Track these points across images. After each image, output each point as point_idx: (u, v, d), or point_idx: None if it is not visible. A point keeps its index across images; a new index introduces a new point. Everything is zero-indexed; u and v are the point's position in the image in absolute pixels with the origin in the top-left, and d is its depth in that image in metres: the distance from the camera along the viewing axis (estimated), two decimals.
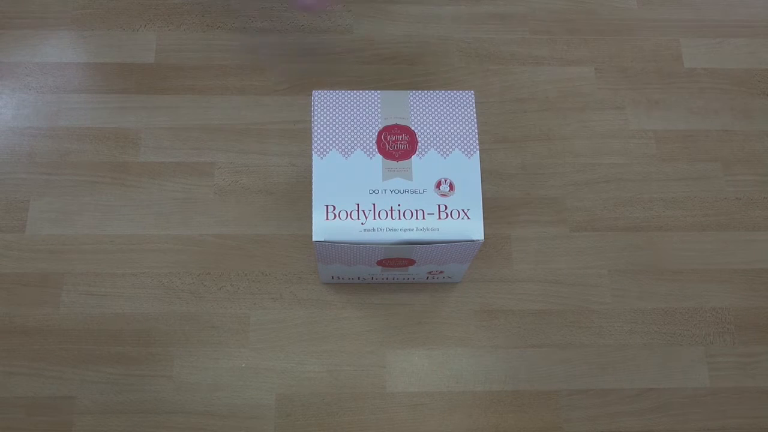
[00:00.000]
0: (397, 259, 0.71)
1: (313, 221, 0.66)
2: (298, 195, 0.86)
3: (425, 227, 0.66)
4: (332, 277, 0.79)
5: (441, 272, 0.77)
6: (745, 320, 0.83)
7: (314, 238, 0.66)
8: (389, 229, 0.66)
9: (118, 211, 0.85)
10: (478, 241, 0.66)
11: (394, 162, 0.68)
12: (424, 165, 0.68)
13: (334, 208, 0.66)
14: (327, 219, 0.66)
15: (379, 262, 0.72)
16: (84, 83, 0.91)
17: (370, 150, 0.69)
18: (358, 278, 0.79)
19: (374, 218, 0.66)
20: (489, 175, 0.88)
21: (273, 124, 0.89)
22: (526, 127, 0.91)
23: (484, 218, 0.86)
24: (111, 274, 0.82)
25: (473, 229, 0.66)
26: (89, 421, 0.76)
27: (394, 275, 0.78)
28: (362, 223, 0.66)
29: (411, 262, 0.72)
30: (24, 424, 0.76)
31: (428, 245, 0.67)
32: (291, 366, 0.79)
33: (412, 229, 0.66)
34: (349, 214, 0.66)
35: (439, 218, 0.66)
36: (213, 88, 0.91)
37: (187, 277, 0.82)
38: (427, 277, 0.79)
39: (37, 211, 0.84)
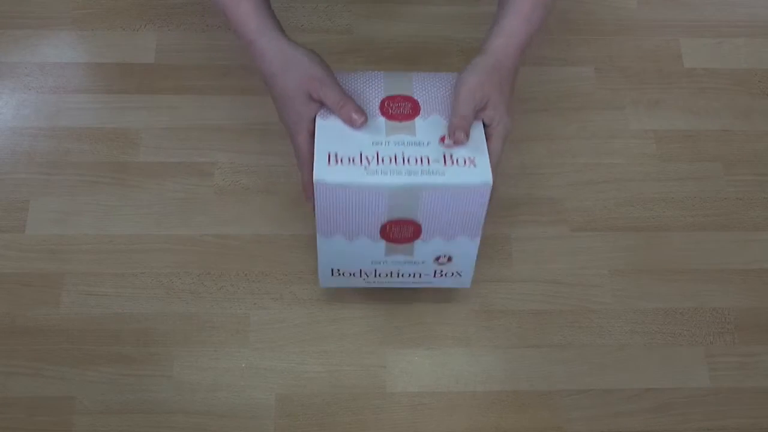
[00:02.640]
0: (402, 223, 0.67)
1: (315, 165, 0.63)
2: (298, 195, 0.86)
3: (431, 171, 0.63)
4: (332, 273, 0.75)
5: (449, 259, 0.72)
6: (745, 320, 0.83)
7: (315, 177, 0.62)
8: (394, 172, 0.63)
9: (118, 211, 0.85)
10: (486, 184, 0.63)
11: (398, 122, 0.67)
12: (428, 125, 0.66)
13: (337, 154, 0.64)
14: (329, 164, 0.63)
15: (383, 231, 0.68)
16: (84, 83, 0.91)
17: (374, 114, 0.67)
18: (360, 272, 0.75)
19: (378, 163, 0.63)
20: None
21: (273, 124, 0.88)
22: (526, 127, 0.91)
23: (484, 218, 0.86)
24: (111, 274, 0.82)
25: (480, 173, 0.63)
26: (89, 421, 0.76)
27: (399, 267, 0.73)
28: (365, 168, 0.63)
29: (417, 230, 0.67)
30: (24, 424, 0.76)
31: (434, 192, 0.63)
32: (291, 366, 0.79)
33: (416, 173, 0.63)
34: (351, 160, 0.64)
35: (445, 165, 0.64)
36: (213, 88, 0.91)
37: (187, 277, 0.82)
38: (435, 273, 0.75)
39: (37, 211, 0.84)
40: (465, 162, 0.64)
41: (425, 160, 0.64)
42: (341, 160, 0.63)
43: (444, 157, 0.64)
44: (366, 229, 0.68)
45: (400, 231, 0.68)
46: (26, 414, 0.76)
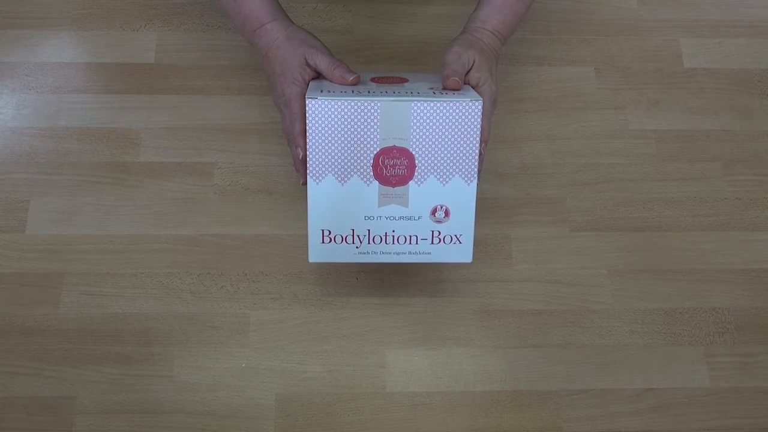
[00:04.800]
0: (395, 153, 0.65)
1: (307, 94, 0.65)
2: (298, 195, 0.86)
3: (422, 96, 0.65)
4: (323, 238, 0.69)
5: (447, 213, 0.68)
6: (745, 320, 0.83)
7: (308, 96, 0.64)
8: (385, 94, 0.65)
9: (118, 211, 0.85)
10: (476, 101, 0.64)
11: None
12: (415, 83, 0.69)
13: (329, 90, 0.66)
14: (321, 93, 0.65)
15: (376, 167, 0.66)
16: (84, 83, 0.91)
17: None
18: (353, 233, 0.69)
19: (368, 92, 0.66)
20: (489, 175, 0.88)
21: (273, 124, 0.89)
22: (526, 127, 0.91)
23: (484, 218, 0.86)
24: (111, 274, 0.82)
25: (468, 95, 0.66)
26: (89, 421, 0.76)
27: (394, 226, 0.69)
28: (356, 92, 0.66)
29: (411, 166, 0.66)
30: (24, 424, 0.76)
31: (425, 110, 0.64)
32: (291, 366, 0.79)
33: (408, 95, 0.65)
34: (342, 91, 0.66)
35: (434, 94, 0.66)
36: (213, 88, 0.91)
37: (187, 277, 0.82)
38: (433, 239, 0.70)
39: (37, 211, 0.84)
40: (454, 94, 0.66)
41: (416, 93, 0.67)
42: (333, 92, 0.66)
43: (433, 92, 0.67)
44: (359, 164, 0.66)
45: (393, 165, 0.66)
46: (26, 414, 0.76)
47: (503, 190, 0.87)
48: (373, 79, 0.72)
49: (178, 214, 0.85)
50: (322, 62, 0.70)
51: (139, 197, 0.85)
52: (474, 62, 0.71)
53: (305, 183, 0.68)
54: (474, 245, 0.70)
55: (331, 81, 0.70)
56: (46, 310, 0.80)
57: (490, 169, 0.88)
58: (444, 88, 0.68)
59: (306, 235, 0.69)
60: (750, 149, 0.91)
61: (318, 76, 0.71)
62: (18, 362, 0.78)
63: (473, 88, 0.70)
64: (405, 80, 0.72)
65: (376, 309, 0.81)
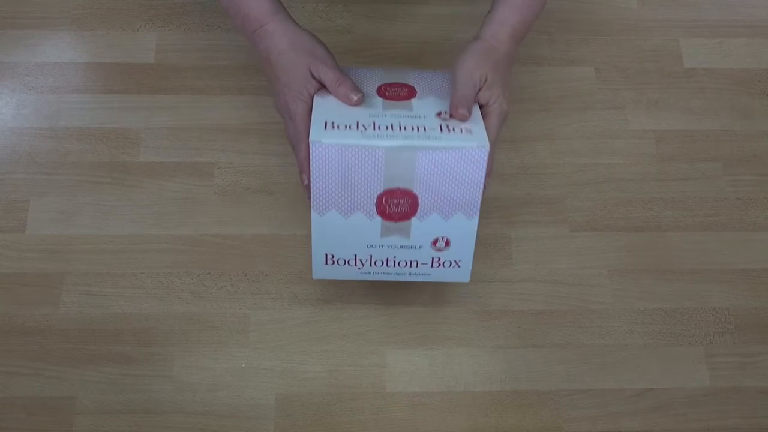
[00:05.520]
0: (399, 194, 0.65)
1: (312, 130, 0.63)
2: (298, 195, 0.86)
3: (427, 136, 0.64)
4: (326, 260, 0.71)
5: (447, 243, 0.69)
6: (745, 320, 0.83)
7: (312, 138, 0.62)
8: (390, 137, 0.63)
9: (118, 211, 0.85)
10: (483, 147, 0.63)
11: (395, 101, 0.68)
12: (425, 104, 0.68)
13: (333, 122, 0.64)
14: (326, 129, 0.64)
15: (379, 205, 0.66)
16: (84, 83, 0.91)
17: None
18: (355, 258, 0.71)
19: (375, 129, 0.64)
20: None
21: (273, 124, 0.89)
22: (526, 127, 0.91)
23: (484, 218, 0.86)
24: (111, 274, 0.82)
25: (477, 138, 0.64)
26: (89, 421, 0.76)
27: (396, 253, 0.70)
28: (362, 132, 0.64)
29: (414, 204, 0.66)
30: (24, 424, 0.76)
31: (431, 155, 0.63)
32: (291, 366, 0.79)
33: (413, 138, 0.63)
34: (348, 126, 0.64)
35: (441, 132, 0.64)
36: (213, 88, 0.91)
37: (187, 277, 0.82)
38: (432, 263, 0.71)
39: (37, 211, 0.84)
40: (462, 131, 0.64)
41: (422, 128, 0.64)
42: (338, 126, 0.64)
43: (441, 126, 0.65)
44: (362, 202, 0.66)
45: (397, 204, 0.66)
46: (26, 414, 0.76)
47: (503, 190, 0.87)
48: (379, 91, 0.70)
49: (178, 214, 0.85)
50: (326, 76, 0.68)
51: (139, 197, 0.85)
52: (486, 80, 0.68)
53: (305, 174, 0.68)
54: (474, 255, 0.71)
55: (335, 96, 0.68)
56: (46, 310, 0.80)
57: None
58: (452, 117, 0.66)
59: (308, 235, 0.69)
60: (750, 149, 0.91)
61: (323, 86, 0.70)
62: (18, 362, 0.78)
63: (483, 106, 0.68)
64: (413, 93, 0.70)
65: (376, 309, 0.81)
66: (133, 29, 0.94)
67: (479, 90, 0.68)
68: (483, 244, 0.84)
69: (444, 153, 0.63)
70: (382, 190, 0.65)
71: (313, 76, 0.69)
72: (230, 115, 0.89)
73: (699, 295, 0.84)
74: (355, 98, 0.67)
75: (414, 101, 0.68)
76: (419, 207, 0.67)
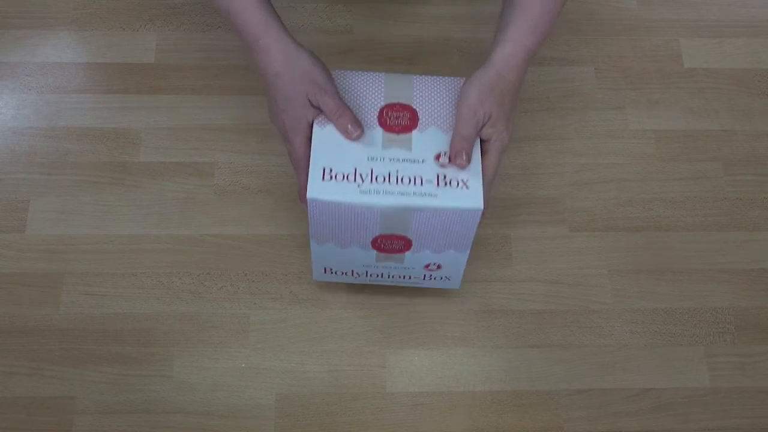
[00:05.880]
0: (393, 238, 0.68)
1: (309, 180, 0.63)
2: (298, 195, 0.86)
3: (423, 192, 0.63)
4: (325, 270, 0.76)
5: (439, 266, 0.74)
6: (745, 320, 0.83)
7: (308, 195, 0.63)
8: (386, 192, 0.63)
9: (118, 211, 0.85)
10: (477, 210, 0.64)
11: (395, 134, 0.67)
12: (425, 139, 0.66)
13: (332, 170, 0.64)
14: (323, 180, 0.63)
15: (374, 243, 0.69)
16: (84, 83, 0.91)
17: (371, 123, 0.67)
18: (353, 272, 0.76)
19: (371, 181, 0.64)
20: None
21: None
22: (526, 127, 0.91)
23: (484, 218, 0.85)
24: (111, 274, 0.82)
25: (472, 197, 0.64)
26: (89, 421, 0.76)
27: (390, 270, 0.75)
28: (359, 185, 0.63)
29: (407, 244, 0.69)
30: (24, 424, 0.76)
31: (426, 213, 0.64)
32: (291, 366, 0.79)
33: (409, 194, 0.63)
34: (346, 176, 0.64)
35: (438, 185, 0.64)
36: (213, 88, 0.91)
37: (187, 277, 0.82)
38: (425, 277, 0.77)
39: (37, 211, 0.84)
40: (458, 184, 0.64)
41: (419, 180, 0.64)
42: (335, 176, 0.64)
43: (437, 177, 0.64)
44: (358, 241, 0.69)
45: (391, 244, 0.69)
46: (26, 414, 0.76)
47: (503, 190, 0.87)
48: (381, 117, 0.68)
49: (178, 214, 0.85)
50: (326, 106, 0.66)
51: (139, 197, 0.85)
52: (490, 117, 0.66)
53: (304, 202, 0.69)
54: (471, 252, 0.72)
55: (334, 125, 0.67)
56: (46, 310, 0.80)
57: None
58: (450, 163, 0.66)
59: (307, 235, 0.70)
60: (750, 149, 0.91)
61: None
62: (18, 362, 0.78)
63: (484, 141, 0.67)
64: (414, 120, 0.68)
65: (376, 309, 0.81)
66: (133, 29, 0.94)
67: (482, 127, 0.66)
68: (483, 244, 0.84)
69: (438, 212, 0.64)
70: (377, 234, 0.67)
71: (312, 104, 0.66)
72: (230, 115, 0.89)
73: (699, 295, 0.84)
74: (355, 135, 0.66)
75: (415, 134, 0.67)
76: (413, 246, 0.69)
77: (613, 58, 0.95)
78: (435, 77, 0.71)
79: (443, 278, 0.76)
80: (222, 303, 0.81)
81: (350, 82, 0.70)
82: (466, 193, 0.64)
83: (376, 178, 0.64)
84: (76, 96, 0.90)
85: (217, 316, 0.80)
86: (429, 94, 0.69)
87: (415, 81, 0.70)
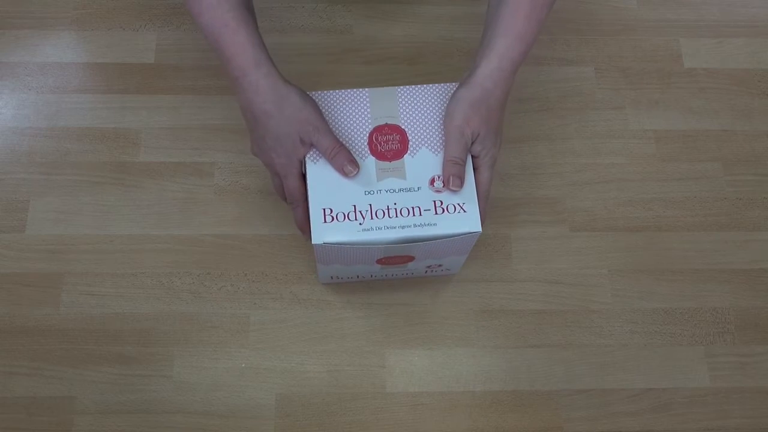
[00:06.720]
0: (397, 256, 0.71)
1: (312, 224, 0.66)
2: None
3: (423, 223, 0.65)
4: (331, 277, 0.79)
5: (440, 265, 0.77)
6: (745, 320, 0.83)
7: (313, 241, 0.65)
8: (387, 227, 0.65)
9: (118, 211, 0.85)
10: (475, 233, 0.66)
11: (387, 162, 0.68)
12: (418, 164, 0.68)
13: (332, 210, 0.66)
14: (325, 221, 0.65)
15: (379, 261, 0.72)
16: (84, 83, 0.91)
17: (363, 152, 0.68)
18: (357, 277, 0.79)
19: (371, 218, 0.66)
20: None
21: None
22: (526, 127, 0.91)
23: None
24: (111, 274, 0.82)
25: (470, 220, 0.66)
26: (89, 421, 0.76)
27: (393, 272, 0.77)
28: (360, 223, 0.65)
29: (410, 258, 0.72)
30: (24, 423, 0.76)
31: (427, 242, 0.66)
32: (291, 366, 0.79)
33: (410, 226, 0.65)
34: (346, 215, 0.66)
35: (436, 213, 0.66)
36: (213, 88, 0.91)
37: (187, 277, 0.82)
38: (426, 271, 0.79)
39: (37, 211, 0.84)
40: (455, 209, 0.66)
41: (417, 211, 0.66)
42: (336, 217, 0.65)
43: (435, 204, 0.66)
44: (363, 263, 0.72)
45: (395, 260, 0.72)
46: (26, 414, 0.76)
47: (503, 190, 0.87)
48: (371, 144, 0.68)
49: (178, 214, 0.85)
50: (321, 144, 0.66)
51: (139, 197, 0.85)
52: (478, 135, 0.66)
53: (305, 233, 0.71)
54: (471, 252, 0.74)
55: (330, 164, 0.67)
56: (46, 310, 0.80)
57: None
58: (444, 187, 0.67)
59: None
60: (750, 149, 0.91)
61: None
62: (18, 362, 0.78)
63: (475, 158, 0.68)
64: (405, 144, 0.68)
65: (376, 309, 0.81)
66: (133, 29, 0.94)
67: (471, 144, 0.66)
68: (483, 244, 0.84)
69: (439, 242, 0.66)
70: (381, 257, 0.71)
71: (304, 142, 0.66)
72: (230, 115, 0.89)
73: (699, 295, 0.84)
74: (352, 174, 0.66)
75: (407, 159, 0.68)
76: (415, 258, 0.72)
77: (613, 58, 0.95)
78: (419, 86, 0.71)
79: (444, 270, 0.79)
80: (222, 303, 0.81)
81: (334, 103, 0.70)
82: (464, 216, 0.66)
83: (376, 213, 0.66)
84: (76, 96, 0.90)
85: (217, 316, 0.80)
86: (415, 109, 0.70)
87: (398, 94, 0.70)
